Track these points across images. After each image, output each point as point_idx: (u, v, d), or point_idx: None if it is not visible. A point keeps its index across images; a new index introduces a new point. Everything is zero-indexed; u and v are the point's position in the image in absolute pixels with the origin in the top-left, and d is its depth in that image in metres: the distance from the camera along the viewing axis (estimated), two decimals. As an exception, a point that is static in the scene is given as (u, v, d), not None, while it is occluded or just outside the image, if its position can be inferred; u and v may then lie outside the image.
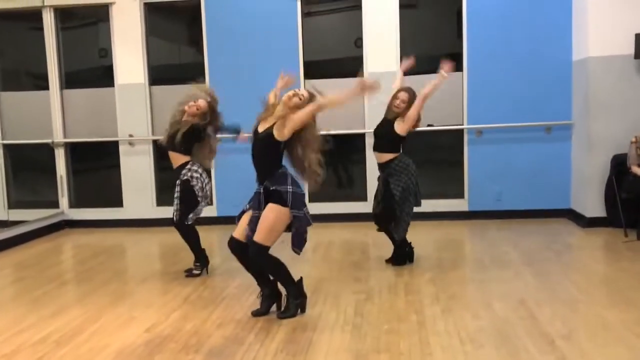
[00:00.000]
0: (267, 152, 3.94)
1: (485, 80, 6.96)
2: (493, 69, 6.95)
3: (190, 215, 5.04)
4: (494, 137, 7.05)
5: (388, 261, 5.29)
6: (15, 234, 6.86)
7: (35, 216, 7.37)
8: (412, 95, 5.00)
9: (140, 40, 7.39)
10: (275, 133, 3.88)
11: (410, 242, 5.30)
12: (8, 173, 7.84)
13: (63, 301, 4.63)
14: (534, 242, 5.94)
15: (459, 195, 7.21)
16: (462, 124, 7.08)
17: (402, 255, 5.26)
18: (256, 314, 4.09)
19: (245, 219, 4.05)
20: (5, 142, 7.63)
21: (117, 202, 7.65)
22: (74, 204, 7.82)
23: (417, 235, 6.22)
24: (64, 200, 7.76)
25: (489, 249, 5.78)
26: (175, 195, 5.06)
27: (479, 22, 6.91)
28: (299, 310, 4.06)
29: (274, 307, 4.13)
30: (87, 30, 7.91)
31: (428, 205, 7.12)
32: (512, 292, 4.41)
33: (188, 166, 5.00)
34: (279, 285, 4.11)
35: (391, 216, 5.11)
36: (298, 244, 4.00)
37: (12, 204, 7.79)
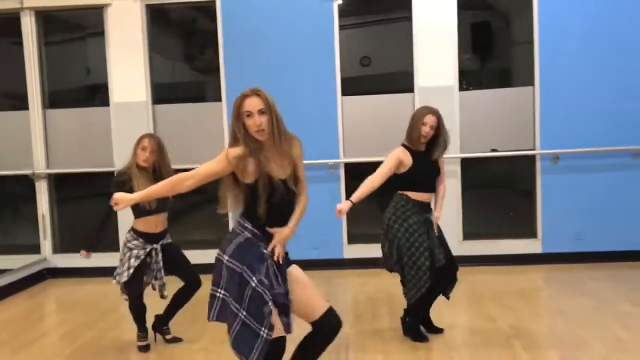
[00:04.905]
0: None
1: (562, 95, 5.78)
2: (572, 82, 5.78)
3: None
4: (573, 164, 5.85)
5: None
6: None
7: (10, 264, 5.98)
8: (439, 119, 3.87)
9: (142, 50, 6.12)
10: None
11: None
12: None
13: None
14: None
15: (531, 234, 5.99)
16: (534, 149, 5.88)
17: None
18: None
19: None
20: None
21: (113, 246, 6.24)
22: (59, 248, 6.44)
23: (482, 283, 4.95)
24: (46, 244, 6.37)
25: (583, 311, 4.48)
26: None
27: (554, 26, 5.76)
28: None
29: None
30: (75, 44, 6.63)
31: (492, 246, 5.97)
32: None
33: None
34: None
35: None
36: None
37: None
